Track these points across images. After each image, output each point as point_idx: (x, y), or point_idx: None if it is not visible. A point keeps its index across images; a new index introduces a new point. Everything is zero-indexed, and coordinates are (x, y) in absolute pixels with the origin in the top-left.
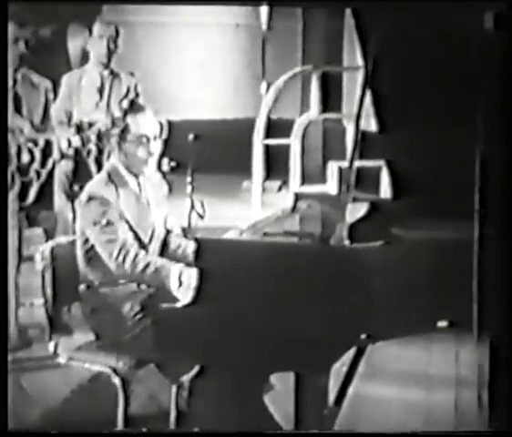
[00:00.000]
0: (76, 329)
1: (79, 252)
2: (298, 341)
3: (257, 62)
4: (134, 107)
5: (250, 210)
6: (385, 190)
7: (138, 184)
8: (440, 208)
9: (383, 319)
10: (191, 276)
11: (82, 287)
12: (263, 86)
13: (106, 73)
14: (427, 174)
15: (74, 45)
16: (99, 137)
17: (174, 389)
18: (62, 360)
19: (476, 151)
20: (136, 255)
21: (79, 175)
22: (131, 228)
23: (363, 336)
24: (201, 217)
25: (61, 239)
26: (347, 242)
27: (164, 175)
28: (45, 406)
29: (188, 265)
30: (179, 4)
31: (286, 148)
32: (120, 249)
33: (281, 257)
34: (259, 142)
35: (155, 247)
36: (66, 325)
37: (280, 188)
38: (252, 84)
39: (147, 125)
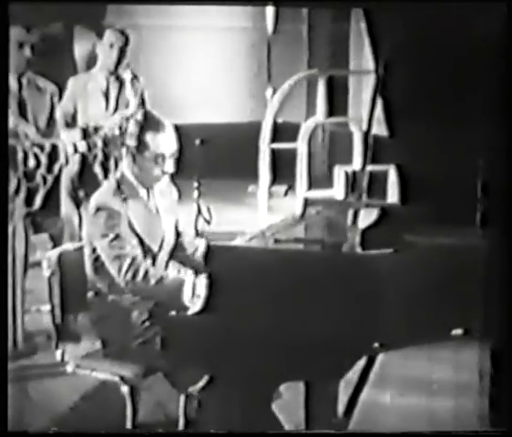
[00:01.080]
0: (84, 336)
1: (87, 260)
2: (309, 350)
3: (263, 65)
4: (155, 124)
5: (256, 215)
6: (393, 195)
7: (147, 192)
8: (449, 214)
9: (395, 327)
10: (202, 285)
11: (90, 294)
12: (269, 89)
13: (112, 78)
14: (437, 179)
15: (80, 49)
16: (106, 142)
17: (182, 398)
18: (69, 368)
19: (479, 158)
20: (146, 272)
21: (85, 180)
22: (140, 241)
23: (375, 345)
24: (208, 222)
25: (68, 246)
26: (359, 249)
27: (173, 180)
28: (51, 414)
29: (198, 271)
30: (184, 4)
31: (292, 152)
32: (129, 266)
33: (291, 264)
34: (265, 146)
35: (164, 255)
36: (74, 332)
37: (286, 193)
38: (258, 87)
39: (165, 144)
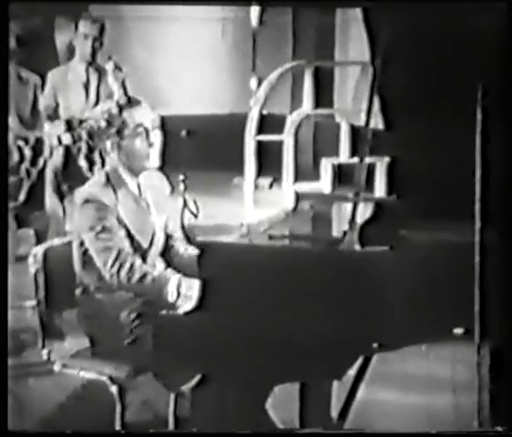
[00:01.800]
0: (71, 334)
1: (75, 255)
2: (305, 350)
3: (247, 55)
4: (129, 102)
5: (242, 208)
6: (384, 189)
7: (138, 185)
8: (446, 209)
9: (394, 326)
10: (192, 287)
11: (77, 291)
12: (253, 79)
13: (91, 69)
14: (433, 173)
15: (61, 40)
16: (90, 134)
17: (172, 397)
18: (56, 367)
19: (477, 153)
20: (131, 265)
21: (69, 173)
22: (129, 235)
23: (374, 345)
24: (195, 216)
25: (55, 241)
26: (357, 246)
27: (165, 173)
28: (38, 414)
29: (188, 274)
30: (171, 3)
31: (277, 144)
32: (116, 259)
33: (287, 262)
34: (251, 138)
35: (155, 252)
36: (60, 331)
37: (271, 185)
38: (243, 78)
39: (142, 114)
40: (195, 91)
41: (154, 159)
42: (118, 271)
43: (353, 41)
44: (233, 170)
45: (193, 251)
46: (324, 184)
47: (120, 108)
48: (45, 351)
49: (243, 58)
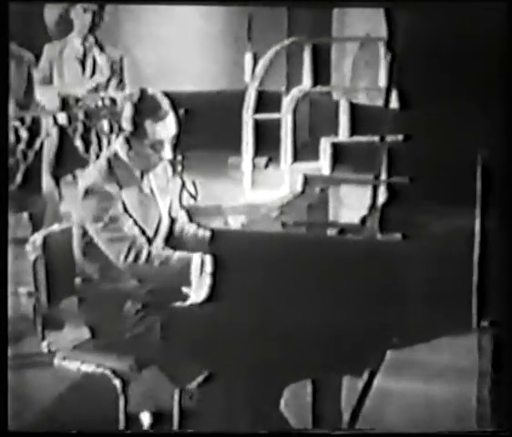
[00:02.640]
0: (71, 325)
1: (76, 244)
2: (321, 345)
3: (242, 31)
4: (153, 108)
5: (239, 188)
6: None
7: (141, 173)
8: (461, 194)
9: (417, 320)
10: (208, 264)
11: (78, 280)
12: (249, 55)
13: (88, 44)
14: (446, 156)
15: (51, 14)
16: (87, 114)
17: (177, 392)
18: (57, 360)
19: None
20: (149, 252)
21: (64, 154)
22: (136, 223)
23: (395, 339)
24: (194, 197)
25: (54, 227)
26: (379, 234)
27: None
28: (37, 408)
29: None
30: (173, 4)
31: (272, 123)
32: (130, 248)
33: (303, 250)
34: (248, 117)
35: (161, 239)
36: (60, 321)
37: (267, 165)
38: (238, 55)
39: (165, 130)
40: (187, 68)
41: (160, 168)
42: (135, 261)
43: (350, 16)
44: (228, 149)
45: (206, 233)
46: (323, 164)
47: (137, 110)
48: (45, 343)
49: (238, 35)
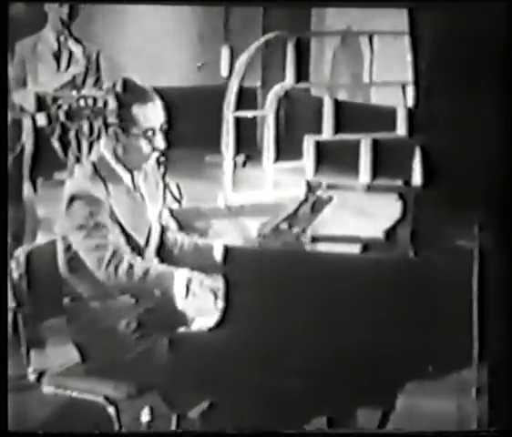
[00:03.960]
0: (58, 348)
1: (61, 260)
2: (346, 376)
3: (218, 25)
4: (139, 94)
5: (219, 189)
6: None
7: (132, 177)
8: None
9: (455, 346)
10: (204, 284)
11: (66, 300)
12: (225, 50)
13: (63, 38)
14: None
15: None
16: (68, 115)
17: (175, 419)
18: (46, 388)
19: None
20: (130, 263)
21: (42, 157)
22: (124, 231)
23: (430, 368)
24: (178, 201)
25: (38, 241)
26: (411, 252)
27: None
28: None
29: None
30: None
31: (247, 119)
32: (112, 257)
33: (324, 270)
34: (229, 114)
35: (153, 249)
36: (46, 343)
37: (244, 164)
38: (213, 49)
39: (154, 115)
40: (162, 63)
41: (153, 161)
42: (116, 271)
43: (331, 9)
44: (204, 147)
45: (186, 243)
46: (307, 164)
47: (121, 101)
48: (30, 369)
49: (215, 29)
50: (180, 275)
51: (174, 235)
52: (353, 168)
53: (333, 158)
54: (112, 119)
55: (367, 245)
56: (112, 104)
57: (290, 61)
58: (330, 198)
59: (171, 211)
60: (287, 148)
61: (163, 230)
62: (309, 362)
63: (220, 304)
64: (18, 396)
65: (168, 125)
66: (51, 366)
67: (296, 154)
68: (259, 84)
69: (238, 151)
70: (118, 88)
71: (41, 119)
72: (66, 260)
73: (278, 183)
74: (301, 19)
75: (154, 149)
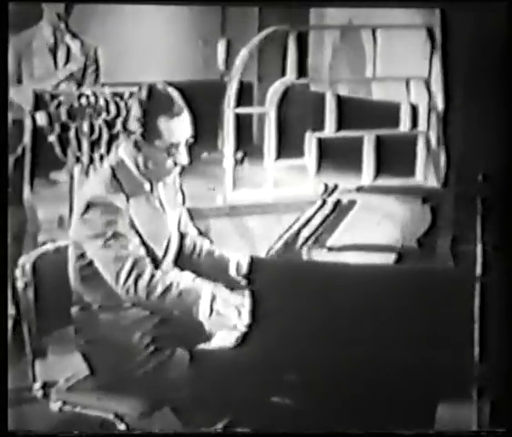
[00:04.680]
0: (66, 360)
1: (72, 268)
2: (380, 397)
3: (216, 18)
4: (168, 107)
5: (219, 187)
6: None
7: (151, 184)
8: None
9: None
10: (229, 302)
11: (75, 310)
12: (222, 44)
13: (59, 33)
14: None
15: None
16: (70, 114)
17: None
18: (53, 404)
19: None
20: (152, 276)
21: (41, 157)
22: (143, 242)
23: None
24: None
25: (47, 247)
26: (451, 262)
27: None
28: None
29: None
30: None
31: (245, 116)
32: (131, 270)
33: (356, 283)
34: (229, 111)
35: (170, 261)
36: (53, 355)
37: (242, 160)
38: (210, 42)
39: (180, 130)
40: (157, 58)
41: (175, 175)
42: (135, 285)
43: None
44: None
45: (206, 244)
46: (309, 161)
47: (145, 109)
48: (37, 385)
49: (210, 22)
50: (205, 293)
51: (193, 240)
52: (357, 166)
53: (336, 156)
54: (135, 127)
55: (401, 255)
56: (136, 111)
57: (291, 56)
58: (350, 203)
59: (190, 214)
60: (287, 146)
61: (182, 237)
62: (339, 379)
63: (244, 322)
64: (21, 409)
65: (194, 139)
66: (57, 378)
67: (295, 151)
68: (255, 79)
69: (237, 148)
70: (143, 95)
71: (41, 119)
72: (78, 268)
73: (279, 181)
74: (299, 13)
75: (176, 164)
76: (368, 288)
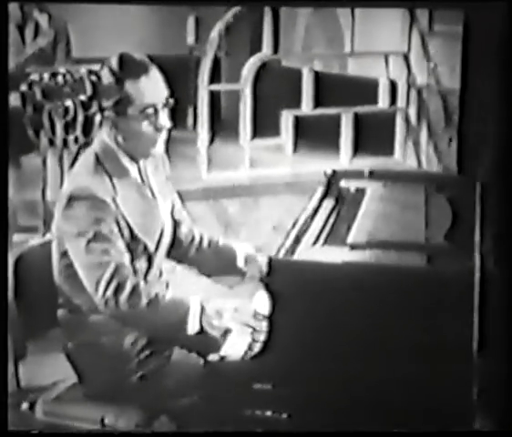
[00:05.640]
0: (51, 366)
1: (56, 267)
2: (411, 407)
3: None
4: (135, 67)
5: (190, 168)
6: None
7: (139, 169)
8: None
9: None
10: (222, 314)
11: (62, 312)
12: (191, 20)
13: (28, 8)
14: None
15: None
16: (45, 93)
17: None
18: (38, 414)
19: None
20: (134, 287)
21: (12, 139)
22: (132, 236)
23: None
24: None
25: (33, 242)
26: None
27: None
28: None
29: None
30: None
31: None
32: (111, 279)
33: (384, 286)
34: (204, 88)
35: (160, 256)
36: (37, 360)
37: (212, 141)
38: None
39: (153, 89)
40: (125, 33)
41: (160, 145)
42: (115, 296)
43: None
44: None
45: (205, 239)
46: (285, 140)
47: (114, 75)
48: (25, 405)
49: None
50: (193, 306)
51: (189, 231)
52: (334, 144)
53: (313, 134)
54: (107, 102)
55: (431, 254)
56: (105, 84)
57: (266, 32)
58: (358, 191)
59: (182, 200)
60: (261, 124)
61: (175, 227)
62: (364, 390)
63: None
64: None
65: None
66: (43, 383)
67: (270, 130)
68: (223, 54)
69: (212, 127)
70: (114, 65)
71: (15, 99)
72: (62, 267)
73: (255, 161)
74: None
75: (157, 129)
76: (398, 289)
